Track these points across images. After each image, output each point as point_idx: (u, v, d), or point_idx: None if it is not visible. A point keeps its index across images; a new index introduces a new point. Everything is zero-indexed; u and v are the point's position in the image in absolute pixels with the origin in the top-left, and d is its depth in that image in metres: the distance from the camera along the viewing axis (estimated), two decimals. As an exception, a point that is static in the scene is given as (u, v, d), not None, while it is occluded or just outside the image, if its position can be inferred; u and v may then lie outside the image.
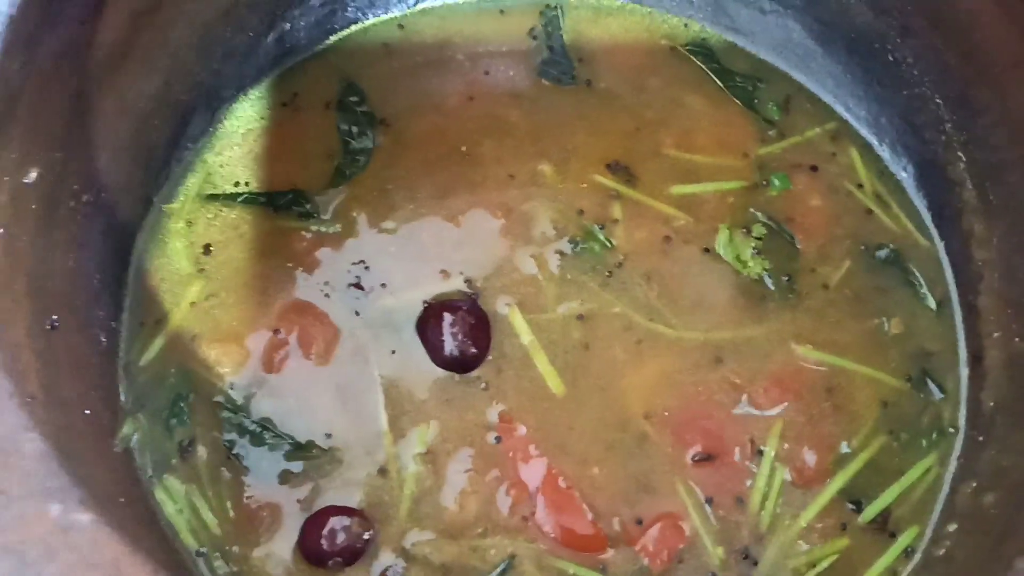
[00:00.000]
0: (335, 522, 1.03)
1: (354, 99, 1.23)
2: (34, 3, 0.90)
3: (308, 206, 1.17)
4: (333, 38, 1.28)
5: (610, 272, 1.16)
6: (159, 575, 0.72)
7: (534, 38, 1.29)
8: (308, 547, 1.03)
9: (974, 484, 1.05)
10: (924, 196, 1.21)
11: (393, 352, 1.11)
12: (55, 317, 0.98)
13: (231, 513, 1.04)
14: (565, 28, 1.30)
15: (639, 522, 1.06)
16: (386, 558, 1.03)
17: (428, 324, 1.11)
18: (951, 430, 1.11)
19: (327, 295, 1.13)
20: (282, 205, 1.17)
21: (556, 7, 1.30)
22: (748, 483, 1.07)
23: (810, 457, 1.09)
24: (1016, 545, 0.84)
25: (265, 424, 1.07)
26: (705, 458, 1.08)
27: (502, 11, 1.31)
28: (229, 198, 1.17)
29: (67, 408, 0.97)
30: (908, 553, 1.06)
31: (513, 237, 1.17)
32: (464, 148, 1.22)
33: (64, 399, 0.97)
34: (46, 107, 0.95)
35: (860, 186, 1.22)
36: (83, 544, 0.69)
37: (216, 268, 1.14)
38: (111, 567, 0.72)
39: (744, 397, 1.10)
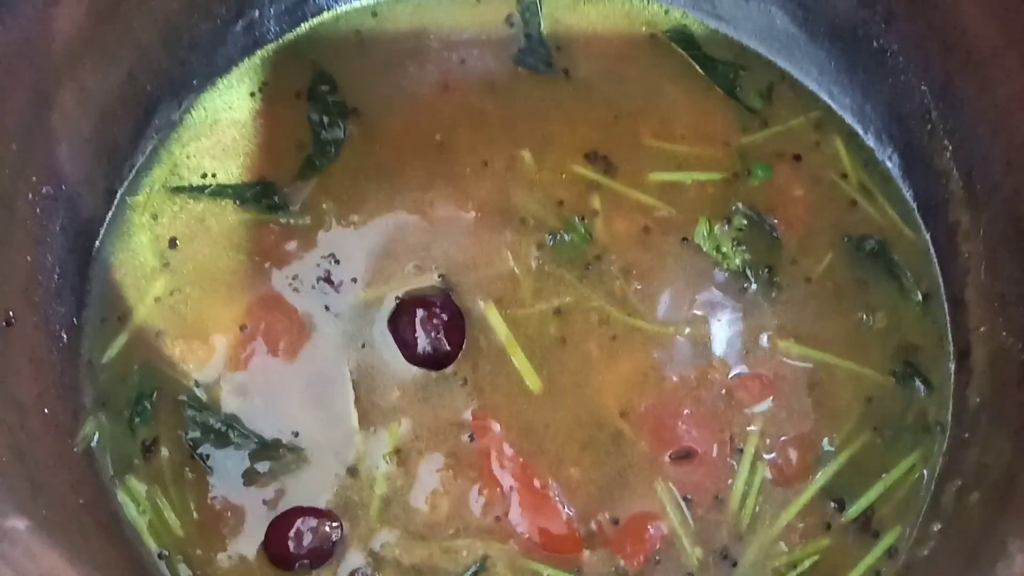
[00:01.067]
0: (302, 523, 1.00)
1: (325, 88, 1.20)
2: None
3: (277, 198, 1.14)
4: (304, 26, 1.24)
5: (588, 264, 1.13)
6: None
7: (511, 26, 1.26)
8: (274, 549, 1.00)
9: (959, 483, 1.03)
10: (910, 186, 1.18)
11: (364, 348, 1.08)
12: (11, 313, 0.95)
13: (195, 514, 1.01)
14: (543, 15, 1.26)
15: (615, 522, 1.03)
16: (355, 560, 1.01)
17: (400, 320, 1.08)
18: (937, 427, 1.09)
19: (296, 289, 1.10)
20: (250, 197, 1.14)
21: (534, -6, 1.27)
22: (727, 481, 1.05)
23: (792, 454, 1.06)
24: (996, 549, 0.82)
25: (231, 423, 1.04)
26: (683, 456, 1.05)
27: (479, -2, 1.28)
28: (196, 190, 1.14)
29: (24, 408, 0.94)
30: (892, 553, 1.04)
31: (489, 230, 1.14)
32: (439, 138, 1.18)
33: (21, 399, 0.94)
34: (-1, 99, 0.93)
35: (844, 176, 1.18)
36: (17, 555, 0.66)
37: (182, 262, 1.11)
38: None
39: (723, 393, 1.08)
